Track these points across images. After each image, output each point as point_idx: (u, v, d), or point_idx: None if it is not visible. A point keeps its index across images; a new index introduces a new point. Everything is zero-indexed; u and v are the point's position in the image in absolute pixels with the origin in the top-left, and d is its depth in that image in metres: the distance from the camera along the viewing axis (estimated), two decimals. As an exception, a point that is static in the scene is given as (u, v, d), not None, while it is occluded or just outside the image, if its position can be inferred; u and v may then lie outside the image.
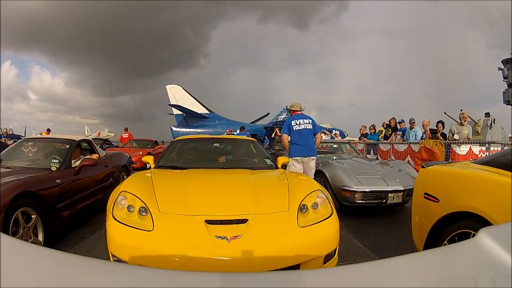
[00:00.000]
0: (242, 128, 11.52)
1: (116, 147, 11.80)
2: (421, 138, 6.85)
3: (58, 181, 2.85)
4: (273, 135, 12.13)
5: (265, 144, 13.11)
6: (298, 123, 4.07)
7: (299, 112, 4.24)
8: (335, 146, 6.81)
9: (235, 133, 11.27)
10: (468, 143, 5.99)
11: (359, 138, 9.39)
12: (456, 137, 6.22)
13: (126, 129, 12.77)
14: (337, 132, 12.44)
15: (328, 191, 2.90)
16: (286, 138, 4.14)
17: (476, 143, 5.97)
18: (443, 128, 6.66)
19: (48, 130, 12.00)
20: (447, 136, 6.47)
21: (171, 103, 21.56)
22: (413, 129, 7.32)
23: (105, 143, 13.07)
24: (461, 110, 6.54)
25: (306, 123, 4.06)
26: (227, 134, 10.53)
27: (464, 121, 6.45)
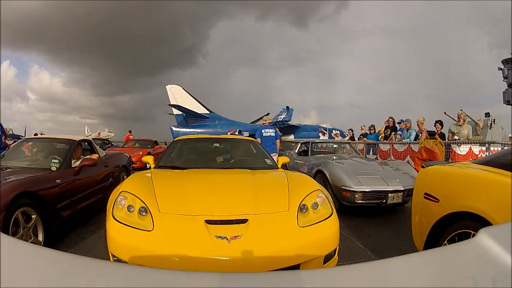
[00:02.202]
0: (239, 131, 11.90)
1: (116, 147, 11.81)
2: (417, 138, 6.85)
3: (58, 181, 2.85)
4: None
5: None
6: (266, 131, 6.05)
7: (267, 123, 6.66)
8: (335, 146, 6.81)
9: (236, 133, 11.46)
10: (468, 143, 5.99)
11: (358, 138, 9.40)
12: (456, 137, 6.21)
13: (130, 132, 13.81)
14: (338, 132, 12.43)
15: (328, 191, 2.90)
16: (258, 141, 5.83)
17: (476, 143, 5.97)
18: (441, 128, 6.64)
19: (36, 135, 12.05)
20: (447, 136, 6.47)
21: (171, 103, 21.58)
22: (409, 130, 7.32)
23: (105, 143, 13.10)
24: (461, 110, 6.53)
25: (271, 132, 6.08)
26: (230, 134, 10.72)
27: (463, 121, 6.44)
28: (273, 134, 6.05)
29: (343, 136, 12.62)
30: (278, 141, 6.20)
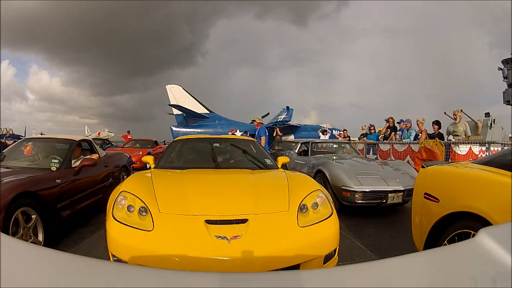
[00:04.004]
0: (245, 133, 12.19)
1: (116, 147, 11.82)
2: (417, 138, 6.86)
3: (58, 181, 2.85)
4: (274, 135, 12.19)
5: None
6: (267, 130, 7.46)
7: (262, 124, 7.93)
8: (335, 146, 6.82)
9: (236, 133, 11.53)
10: (468, 143, 6.00)
11: (358, 138, 9.42)
12: (451, 137, 6.23)
13: (128, 132, 14.55)
14: (341, 133, 12.44)
15: (328, 191, 2.90)
16: (263, 139, 6.79)
17: (476, 143, 5.97)
18: (439, 128, 6.65)
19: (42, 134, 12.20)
20: (445, 136, 6.48)
21: (171, 103, 21.58)
22: (409, 130, 7.34)
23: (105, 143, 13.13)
24: (456, 109, 6.57)
25: (266, 130, 7.42)
26: (230, 134, 10.79)
27: (459, 118, 6.45)
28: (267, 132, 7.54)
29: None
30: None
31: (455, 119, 6.46)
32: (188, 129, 20.03)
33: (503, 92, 15.52)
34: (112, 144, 13.48)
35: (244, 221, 1.69)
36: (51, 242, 2.60)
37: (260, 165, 2.98)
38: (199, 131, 19.36)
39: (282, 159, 3.10)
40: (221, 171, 2.73)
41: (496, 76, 15.59)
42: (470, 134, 6.39)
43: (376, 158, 7.32)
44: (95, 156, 3.79)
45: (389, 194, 3.69)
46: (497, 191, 1.52)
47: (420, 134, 6.88)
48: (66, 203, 2.91)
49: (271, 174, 2.69)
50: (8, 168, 2.94)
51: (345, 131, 10.71)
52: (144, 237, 1.62)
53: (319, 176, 4.29)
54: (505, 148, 4.53)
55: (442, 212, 1.76)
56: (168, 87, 22.04)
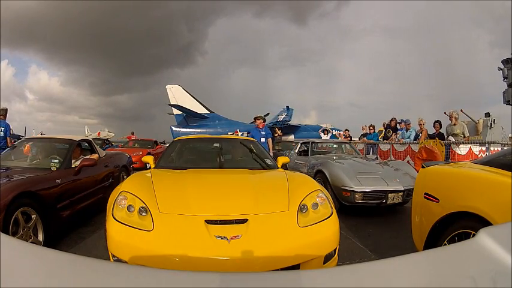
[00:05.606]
0: (248, 133, 12.26)
1: (116, 147, 11.83)
2: (417, 138, 6.87)
3: (58, 181, 2.85)
4: (275, 135, 12.19)
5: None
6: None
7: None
8: (335, 146, 6.81)
9: (240, 134, 11.53)
10: (468, 143, 6.00)
11: (358, 138, 9.41)
12: (451, 138, 6.24)
13: (132, 133, 14.70)
14: (341, 133, 12.44)
15: (328, 191, 2.90)
16: (269, 141, 6.28)
17: (476, 143, 5.98)
18: (440, 128, 6.67)
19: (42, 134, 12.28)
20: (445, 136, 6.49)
21: (171, 103, 21.60)
22: (408, 130, 7.35)
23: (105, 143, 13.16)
24: (452, 111, 6.58)
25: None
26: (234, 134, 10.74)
27: (455, 120, 6.46)
28: None
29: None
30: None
31: (451, 121, 6.48)
32: (188, 129, 20.07)
33: (503, 92, 15.51)
34: (112, 144, 13.50)
35: (244, 221, 1.69)
36: (51, 242, 2.60)
37: (260, 165, 2.98)
38: (199, 131, 19.38)
39: (282, 159, 3.09)
40: (221, 171, 2.73)
41: (496, 76, 15.60)
42: (468, 134, 6.39)
43: (376, 158, 7.32)
44: (94, 156, 3.79)
45: (390, 194, 3.69)
46: (497, 191, 1.52)
47: (420, 134, 6.89)
48: (66, 203, 2.91)
49: (271, 174, 2.69)
50: (8, 168, 2.94)
51: (347, 131, 10.69)
52: (144, 237, 1.62)
53: (319, 176, 4.29)
54: (505, 148, 4.53)
55: (442, 212, 1.76)
56: (168, 87, 22.07)
